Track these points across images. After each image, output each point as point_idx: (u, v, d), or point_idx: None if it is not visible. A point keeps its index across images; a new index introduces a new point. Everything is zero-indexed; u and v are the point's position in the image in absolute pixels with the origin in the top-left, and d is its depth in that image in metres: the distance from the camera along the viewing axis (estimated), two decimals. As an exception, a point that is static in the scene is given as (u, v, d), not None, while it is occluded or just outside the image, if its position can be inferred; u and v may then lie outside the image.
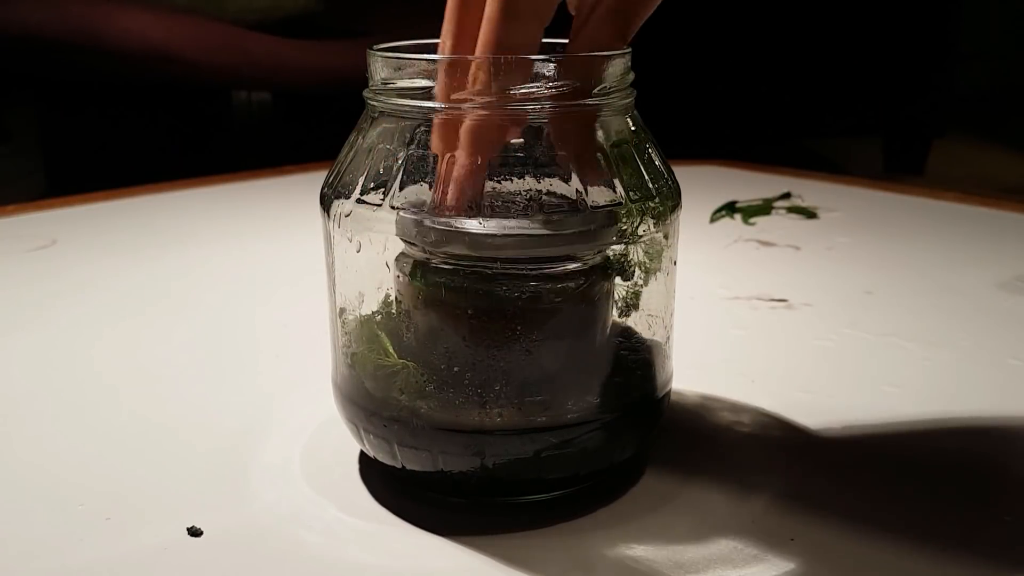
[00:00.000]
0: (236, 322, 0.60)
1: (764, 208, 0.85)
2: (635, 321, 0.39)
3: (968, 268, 0.69)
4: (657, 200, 0.37)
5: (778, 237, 0.78)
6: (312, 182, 1.00)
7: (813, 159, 1.88)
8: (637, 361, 0.39)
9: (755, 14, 1.79)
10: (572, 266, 0.36)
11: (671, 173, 0.39)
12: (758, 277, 0.68)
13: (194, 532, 0.36)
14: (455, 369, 0.36)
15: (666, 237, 0.39)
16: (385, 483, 0.40)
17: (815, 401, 0.47)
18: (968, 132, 2.17)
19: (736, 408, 0.47)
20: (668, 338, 0.41)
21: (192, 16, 1.16)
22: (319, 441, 0.44)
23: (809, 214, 0.84)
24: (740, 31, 1.81)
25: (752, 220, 0.82)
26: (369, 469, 0.41)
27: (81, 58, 1.14)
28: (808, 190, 0.91)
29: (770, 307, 0.62)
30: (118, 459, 0.42)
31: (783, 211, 0.85)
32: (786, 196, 0.89)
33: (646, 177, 0.37)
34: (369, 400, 0.38)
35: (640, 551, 0.35)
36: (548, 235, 0.35)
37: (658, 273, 0.39)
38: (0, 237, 0.78)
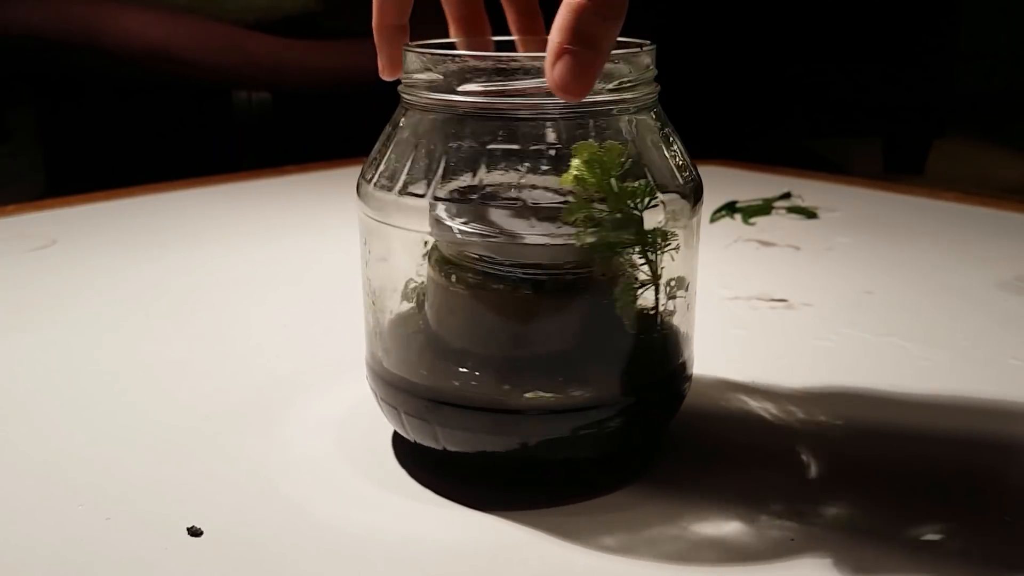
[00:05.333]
0: (236, 322, 0.60)
1: (764, 208, 0.85)
2: (666, 306, 0.41)
3: (968, 268, 0.69)
4: (682, 194, 0.39)
5: (778, 237, 0.78)
6: (312, 182, 1.01)
7: (813, 159, 1.88)
8: (671, 344, 0.41)
9: (755, 14, 1.79)
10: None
11: (694, 167, 0.40)
12: (758, 277, 0.68)
13: (194, 532, 0.36)
14: (501, 353, 0.37)
15: (689, 229, 0.40)
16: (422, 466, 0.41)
17: (814, 401, 0.47)
18: (968, 132, 2.16)
19: (736, 408, 0.47)
20: (692, 324, 0.42)
21: (192, 16, 1.16)
22: (323, 438, 0.44)
23: (809, 214, 0.84)
24: (740, 31, 1.81)
25: (752, 220, 0.82)
26: (404, 456, 0.42)
27: (81, 58, 1.14)
28: (808, 190, 0.91)
29: (770, 307, 0.62)
30: (118, 459, 0.42)
31: (783, 211, 0.85)
32: (786, 196, 0.89)
33: (671, 172, 0.39)
34: (410, 384, 0.39)
35: (628, 548, 0.35)
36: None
37: (684, 262, 0.40)
38: (0, 237, 0.78)
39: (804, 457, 0.42)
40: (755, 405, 0.47)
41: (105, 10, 1.14)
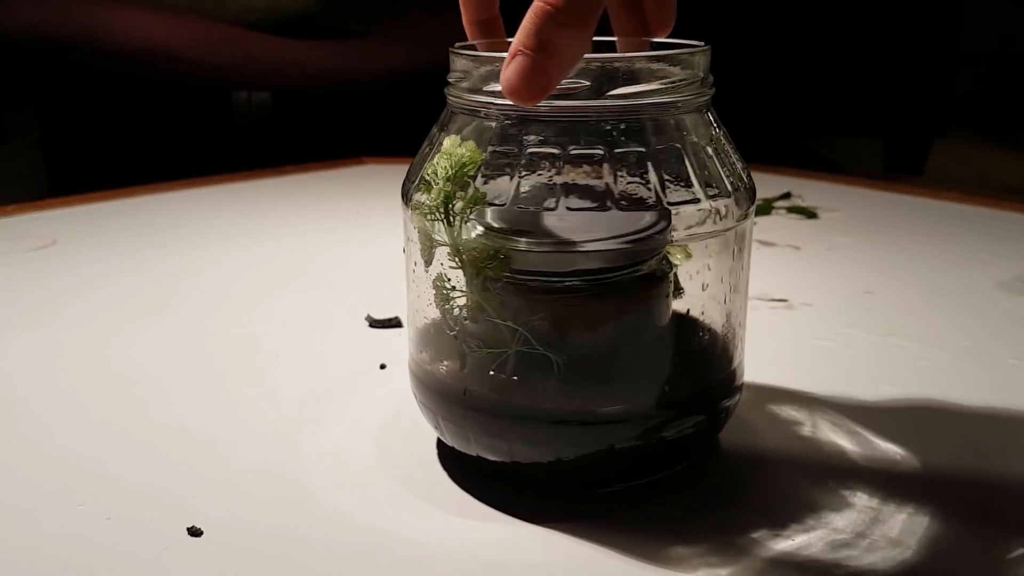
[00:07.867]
0: (236, 321, 0.60)
1: (764, 208, 0.85)
2: (711, 316, 0.40)
3: (968, 268, 0.69)
4: (737, 197, 0.38)
5: (778, 237, 0.78)
6: (312, 182, 1.01)
7: (813, 159, 1.88)
8: (711, 354, 0.40)
9: (754, 14, 1.79)
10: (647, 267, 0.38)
11: (747, 171, 0.40)
12: (758, 277, 0.68)
13: (194, 532, 0.36)
14: (543, 361, 0.37)
15: (739, 233, 0.40)
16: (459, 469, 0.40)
17: (815, 401, 0.47)
18: (968, 132, 2.16)
19: (735, 408, 0.47)
20: (736, 331, 0.41)
21: (192, 16, 1.16)
22: (325, 437, 0.44)
23: (809, 214, 0.84)
24: (740, 31, 1.81)
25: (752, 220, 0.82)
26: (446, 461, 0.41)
27: (82, 58, 1.14)
28: (808, 190, 0.91)
29: (770, 307, 0.62)
30: (118, 459, 0.42)
31: (783, 211, 0.85)
32: (786, 196, 0.89)
33: (724, 174, 0.38)
34: (447, 388, 0.39)
35: (634, 557, 0.35)
36: (630, 248, 0.36)
37: (733, 265, 0.40)
38: (0, 237, 0.78)
39: (804, 457, 0.42)
40: (755, 405, 0.47)
41: (106, 10, 1.14)
